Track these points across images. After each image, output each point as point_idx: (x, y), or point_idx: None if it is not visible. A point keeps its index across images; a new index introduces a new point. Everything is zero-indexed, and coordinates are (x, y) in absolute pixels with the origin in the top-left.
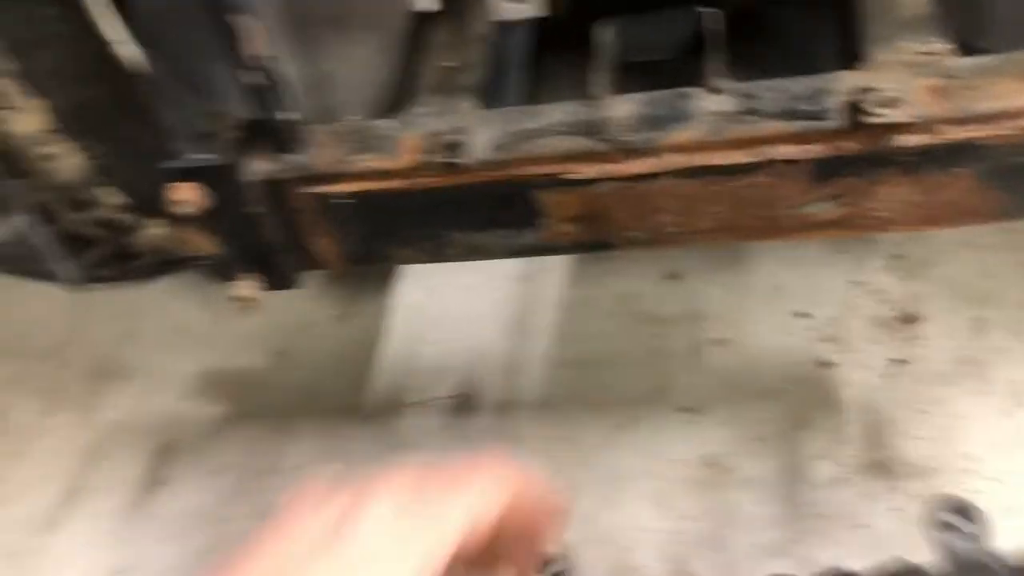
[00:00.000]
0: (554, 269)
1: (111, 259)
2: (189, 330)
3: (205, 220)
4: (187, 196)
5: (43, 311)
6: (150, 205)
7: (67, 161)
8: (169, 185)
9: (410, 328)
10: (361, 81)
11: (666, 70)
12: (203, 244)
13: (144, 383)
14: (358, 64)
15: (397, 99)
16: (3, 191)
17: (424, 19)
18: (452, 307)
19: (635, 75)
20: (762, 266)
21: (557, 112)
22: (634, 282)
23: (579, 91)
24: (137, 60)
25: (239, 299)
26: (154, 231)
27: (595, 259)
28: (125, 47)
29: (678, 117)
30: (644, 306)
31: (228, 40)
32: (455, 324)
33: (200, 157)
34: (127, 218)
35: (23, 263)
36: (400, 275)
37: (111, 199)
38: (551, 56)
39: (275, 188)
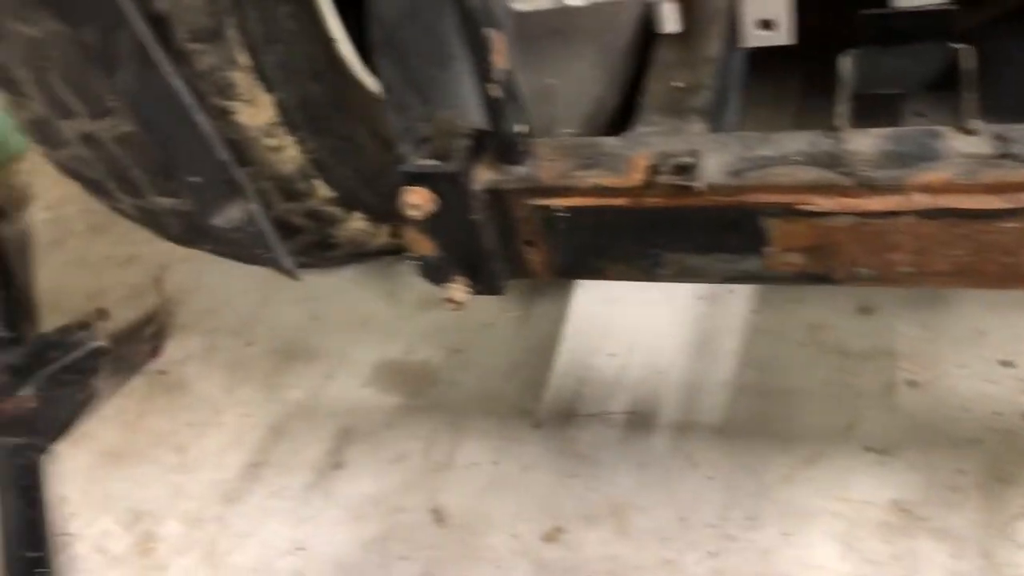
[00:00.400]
0: (740, 293)
1: (311, 248)
2: (372, 320)
3: (429, 223)
4: (419, 200)
5: (232, 291)
6: (354, 200)
7: (287, 153)
8: (403, 188)
9: (588, 339)
10: (579, 95)
11: (896, 103)
12: (422, 246)
13: (327, 367)
14: (577, 78)
15: (614, 116)
16: (237, 177)
17: (649, 38)
18: (631, 322)
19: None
20: (963, 308)
21: (795, 141)
22: (825, 313)
23: (786, 113)
24: (354, 60)
25: (450, 302)
26: (355, 225)
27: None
28: (344, 46)
29: (927, 156)
30: (834, 339)
31: (476, 52)
32: (633, 339)
33: (432, 164)
34: (333, 211)
35: (248, 246)
36: (581, 284)
37: (321, 192)
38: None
39: (498, 198)
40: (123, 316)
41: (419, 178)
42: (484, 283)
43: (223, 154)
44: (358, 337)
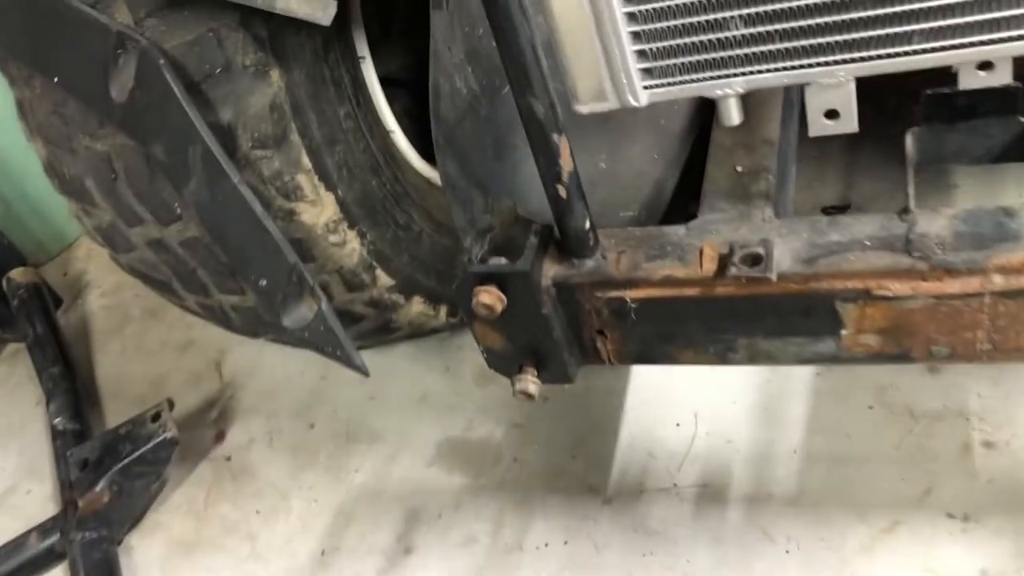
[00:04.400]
0: None
1: (372, 333)
2: (430, 396)
3: (498, 319)
4: (491, 300)
5: (290, 372)
6: (413, 285)
7: (349, 247)
8: (474, 289)
9: (651, 409)
10: (636, 179)
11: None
12: (491, 340)
13: (389, 448)
14: (633, 163)
15: (672, 198)
16: (306, 279)
17: (703, 120)
18: (693, 389)
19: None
20: None
21: (865, 225)
22: (891, 373)
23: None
24: (408, 149)
25: (522, 393)
26: (415, 309)
27: None
28: (399, 137)
29: (1004, 236)
30: (903, 400)
31: (544, 155)
32: (697, 407)
33: (501, 263)
34: (393, 297)
35: (317, 345)
36: None
37: (382, 280)
38: None
39: (567, 291)
40: (184, 402)
41: (489, 278)
42: (554, 373)
43: (292, 257)
44: (418, 415)
